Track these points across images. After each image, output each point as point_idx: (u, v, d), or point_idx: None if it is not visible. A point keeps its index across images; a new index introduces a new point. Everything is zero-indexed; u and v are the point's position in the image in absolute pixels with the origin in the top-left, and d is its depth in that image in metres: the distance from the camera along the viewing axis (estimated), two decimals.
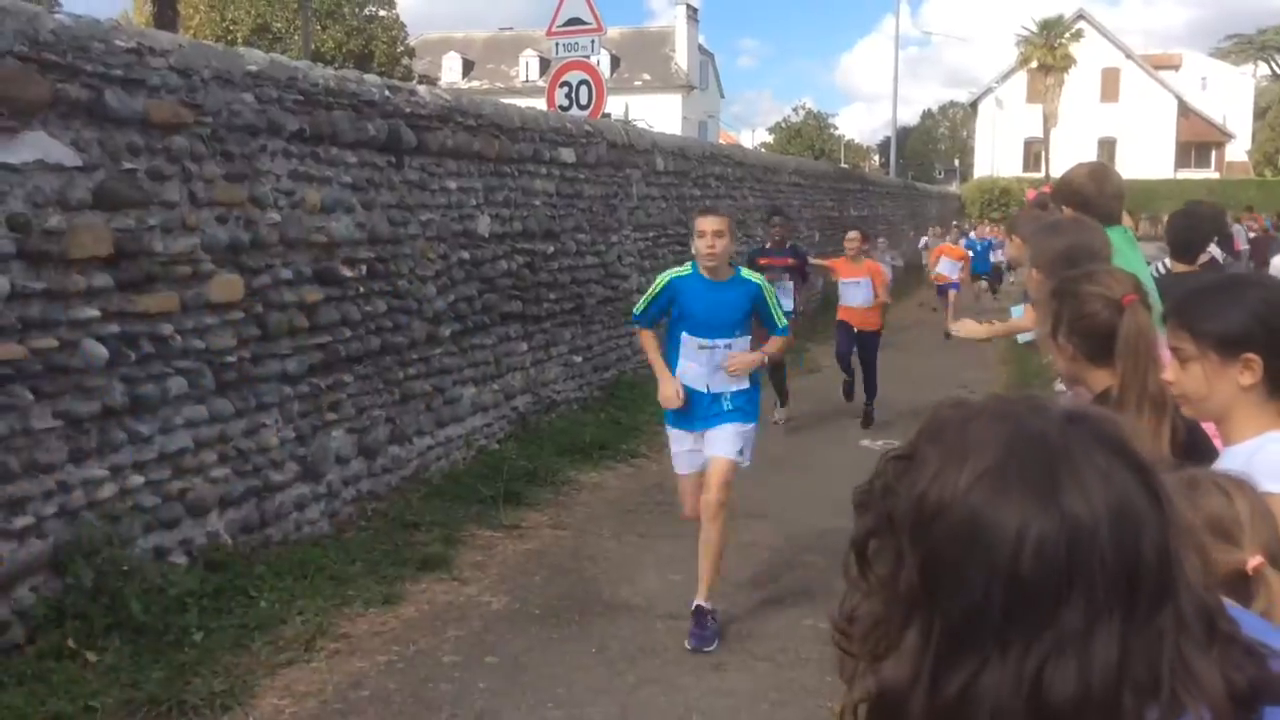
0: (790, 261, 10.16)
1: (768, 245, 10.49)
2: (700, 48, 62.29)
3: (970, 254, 19.67)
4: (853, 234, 10.74)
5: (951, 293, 17.67)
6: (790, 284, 9.95)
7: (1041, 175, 46.14)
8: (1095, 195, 4.01)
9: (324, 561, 5.70)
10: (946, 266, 17.90)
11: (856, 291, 10.28)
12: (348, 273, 6.46)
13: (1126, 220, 5.08)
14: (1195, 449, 2.23)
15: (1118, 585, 0.91)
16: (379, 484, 6.82)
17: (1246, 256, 15.67)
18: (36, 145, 4.50)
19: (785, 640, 5.14)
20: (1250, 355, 2.01)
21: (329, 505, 6.33)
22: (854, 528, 1.05)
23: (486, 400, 8.21)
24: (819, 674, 4.73)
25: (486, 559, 6.17)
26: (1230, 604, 1.06)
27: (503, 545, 6.41)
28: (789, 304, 9.24)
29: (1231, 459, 1.97)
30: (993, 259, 21.47)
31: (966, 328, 5.17)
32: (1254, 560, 1.47)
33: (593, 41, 11.76)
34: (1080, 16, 55.12)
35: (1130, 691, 0.91)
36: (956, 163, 73.67)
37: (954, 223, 32.44)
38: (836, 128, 66.85)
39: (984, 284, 21.48)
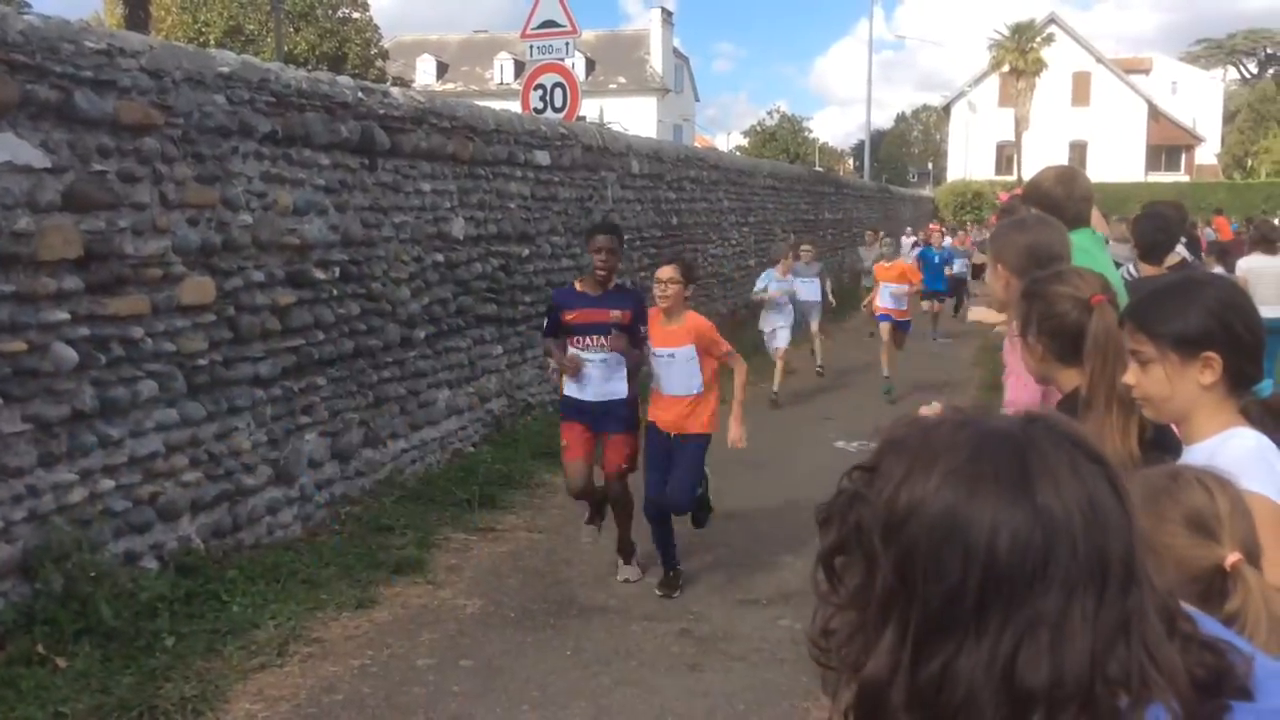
0: (615, 315, 5.77)
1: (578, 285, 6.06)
2: (675, 51, 62.38)
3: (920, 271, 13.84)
4: (666, 269, 5.80)
5: (898, 333, 12.23)
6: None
7: (1014, 178, 46.47)
8: (1064, 199, 4.04)
9: (297, 565, 5.67)
10: (888, 297, 12.10)
11: (671, 371, 5.77)
12: (321, 275, 6.43)
13: (1100, 223, 5.14)
14: (1162, 447, 2.26)
15: (1089, 573, 0.94)
16: (352, 487, 6.79)
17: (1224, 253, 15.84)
18: (5, 147, 4.46)
19: (760, 641, 5.15)
20: (1209, 354, 2.04)
21: (302, 509, 6.30)
22: (819, 543, 1.07)
23: (461, 403, 8.19)
24: (794, 674, 4.75)
25: (461, 562, 6.15)
26: (1186, 606, 1.08)
27: (477, 548, 6.39)
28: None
29: (1193, 457, 1.99)
30: (954, 270, 17.67)
31: (980, 314, 5.14)
32: (1232, 557, 1.48)
33: (567, 44, 11.76)
34: (1052, 21, 55.53)
35: (1101, 679, 0.93)
36: (930, 166, 74.03)
37: (907, 230, 28.02)
38: (811, 131, 66.95)
39: (935, 306, 16.89)
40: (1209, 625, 1.10)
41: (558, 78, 11.58)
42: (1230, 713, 1.00)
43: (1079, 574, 0.93)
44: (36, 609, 4.46)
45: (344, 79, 6.97)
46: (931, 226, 24.27)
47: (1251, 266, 9.02)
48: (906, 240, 23.47)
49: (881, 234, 18.63)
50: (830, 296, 13.33)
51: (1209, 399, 2.06)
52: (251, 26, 39.03)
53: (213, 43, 32.48)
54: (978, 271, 17.30)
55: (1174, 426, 2.20)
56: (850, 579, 1.03)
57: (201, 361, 5.50)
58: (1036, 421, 1.03)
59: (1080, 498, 0.95)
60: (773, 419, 10.45)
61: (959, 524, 0.95)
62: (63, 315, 4.69)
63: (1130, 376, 2.15)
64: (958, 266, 17.93)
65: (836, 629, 1.04)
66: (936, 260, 16.84)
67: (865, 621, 1.01)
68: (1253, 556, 1.51)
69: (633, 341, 5.72)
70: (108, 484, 4.94)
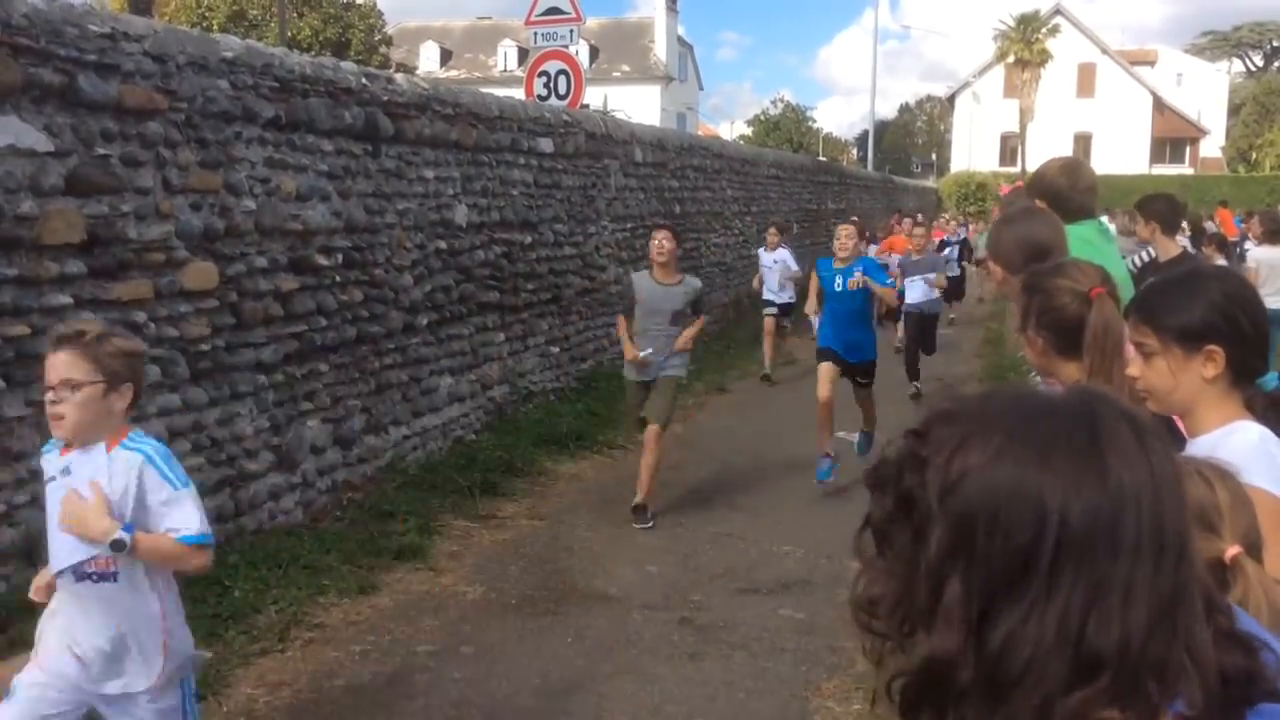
0: None
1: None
2: (679, 39, 62.21)
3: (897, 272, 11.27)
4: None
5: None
6: None
7: (1018, 169, 46.40)
8: (1068, 190, 4.03)
9: (298, 551, 5.68)
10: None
11: None
12: (323, 261, 6.43)
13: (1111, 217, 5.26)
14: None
15: (1152, 543, 0.94)
16: (354, 474, 6.80)
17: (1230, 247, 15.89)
18: (8, 130, 4.45)
19: (761, 630, 5.15)
20: (1212, 347, 2.04)
21: (304, 495, 6.31)
22: (871, 508, 1.05)
23: (463, 390, 8.19)
24: (794, 664, 4.76)
25: (462, 549, 6.16)
26: (1227, 599, 1.07)
27: (479, 535, 6.40)
28: None
29: (1196, 450, 1.99)
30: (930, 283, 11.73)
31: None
32: (1232, 550, 1.48)
33: (571, 31, 11.72)
34: (1057, 11, 55.31)
35: (1151, 649, 0.93)
36: (934, 156, 73.94)
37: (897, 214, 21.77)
38: (815, 121, 66.77)
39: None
40: (1248, 622, 1.09)
41: (562, 65, 11.55)
42: (1255, 715, 0.99)
43: (1142, 543, 0.94)
44: None
45: (348, 65, 6.95)
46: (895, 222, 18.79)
47: (1262, 257, 9.02)
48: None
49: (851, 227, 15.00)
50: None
51: (1212, 392, 2.06)
52: (255, 12, 38.91)
53: (216, 28, 32.38)
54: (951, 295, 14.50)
55: (1177, 420, 2.20)
56: (898, 545, 1.02)
57: (204, 347, 5.50)
58: (1093, 393, 1.03)
59: (1145, 468, 0.96)
60: (774, 408, 10.45)
61: (1028, 488, 0.95)
62: (65, 299, 4.69)
63: (1133, 369, 2.15)
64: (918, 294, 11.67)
65: (883, 596, 1.03)
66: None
67: (912, 590, 1.00)
68: (1254, 549, 1.51)
69: None
70: None
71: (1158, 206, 6.35)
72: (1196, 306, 2.06)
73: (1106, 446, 0.97)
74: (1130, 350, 2.20)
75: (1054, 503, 0.94)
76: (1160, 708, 0.94)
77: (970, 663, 0.96)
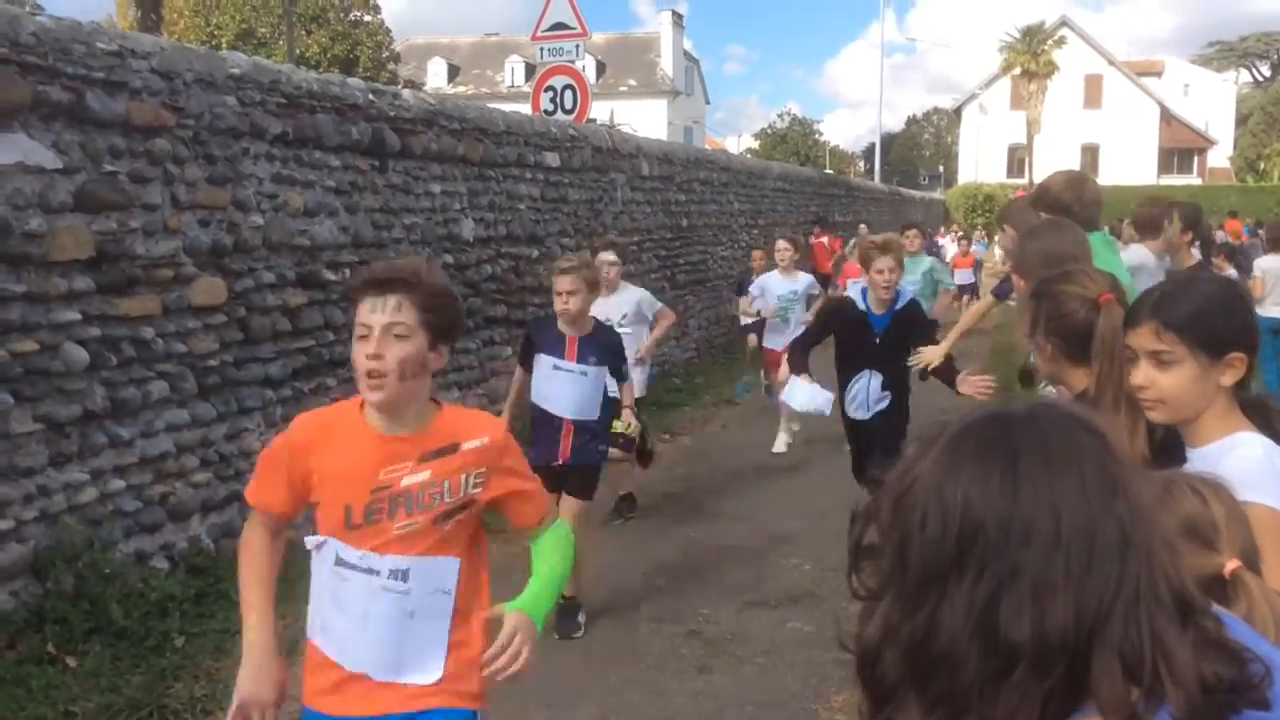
0: None
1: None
2: (686, 53, 62.36)
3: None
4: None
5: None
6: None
7: (1025, 181, 46.31)
8: (1074, 203, 4.04)
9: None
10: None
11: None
12: (331, 276, 6.45)
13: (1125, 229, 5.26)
14: (1173, 448, 2.24)
15: (1076, 536, 0.96)
16: None
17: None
18: (16, 147, 4.48)
19: (769, 643, 5.13)
20: (1237, 355, 2.02)
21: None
22: (849, 538, 1.12)
23: (470, 405, 8.19)
24: (803, 677, 4.73)
25: None
26: (1217, 608, 1.07)
27: (488, 547, 6.37)
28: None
29: (1200, 462, 1.97)
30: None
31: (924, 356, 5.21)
32: (1231, 564, 1.46)
33: (577, 46, 11.75)
34: (1063, 23, 55.36)
35: (1102, 644, 0.94)
36: (941, 169, 73.92)
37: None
38: (821, 134, 67.03)
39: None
40: (1237, 629, 1.08)
41: (568, 80, 11.58)
42: (1238, 717, 0.98)
43: (1060, 535, 0.96)
44: (47, 608, 4.47)
45: (354, 81, 6.99)
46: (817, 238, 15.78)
47: (1268, 267, 9.01)
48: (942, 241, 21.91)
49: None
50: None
51: (1221, 400, 2.05)
52: (264, 29, 39.16)
53: (225, 45, 32.57)
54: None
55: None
56: (879, 572, 1.08)
57: (212, 362, 5.52)
58: (1045, 405, 1.08)
59: (1067, 462, 0.99)
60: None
61: (942, 488, 1.01)
62: (74, 315, 4.71)
63: (1140, 377, 2.11)
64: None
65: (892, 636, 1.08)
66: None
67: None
68: (1251, 563, 1.49)
69: None
70: (118, 484, 4.96)
71: (1191, 213, 6.13)
72: (1224, 314, 2.05)
73: (1021, 443, 1.01)
74: (1138, 358, 2.15)
75: (959, 496, 0.99)
76: (1145, 714, 0.94)
77: (894, 644, 1.01)
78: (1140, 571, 0.97)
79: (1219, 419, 2.05)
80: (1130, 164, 52.87)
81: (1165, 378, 2.07)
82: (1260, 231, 16.55)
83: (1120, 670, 0.94)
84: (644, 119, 46.77)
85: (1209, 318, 2.05)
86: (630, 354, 5.81)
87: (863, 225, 17.41)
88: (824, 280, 11.10)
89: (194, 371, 5.40)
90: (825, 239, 15.75)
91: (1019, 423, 1.04)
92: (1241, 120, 62.69)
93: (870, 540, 1.09)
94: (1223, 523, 1.50)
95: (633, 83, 58.22)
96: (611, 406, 5.42)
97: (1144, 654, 0.94)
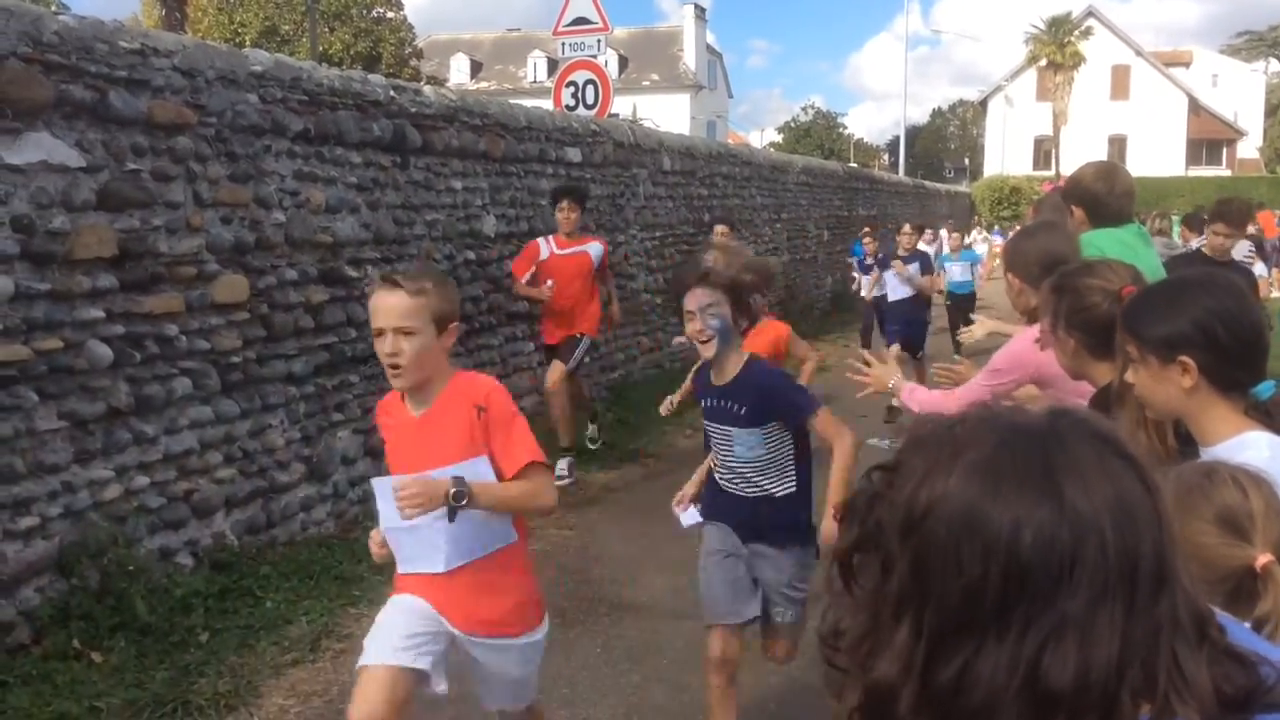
0: None
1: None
2: (708, 47, 62.27)
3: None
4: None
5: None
6: None
7: (1052, 173, 46.00)
8: (1105, 194, 3.98)
9: (330, 562, 5.70)
10: None
11: None
12: (353, 273, 6.46)
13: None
14: (1195, 443, 2.21)
15: (1119, 575, 0.90)
16: None
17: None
18: (40, 146, 4.51)
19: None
20: (1184, 358, 2.00)
21: (335, 506, 6.33)
22: (837, 541, 1.05)
23: None
24: (825, 674, 4.70)
25: None
26: (1219, 612, 1.05)
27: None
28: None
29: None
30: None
31: (988, 326, 5.02)
32: (1263, 558, 1.45)
33: (599, 41, 11.74)
34: (1090, 14, 54.86)
35: (1127, 685, 0.90)
36: (966, 161, 73.52)
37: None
38: (846, 127, 66.85)
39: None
40: (1240, 634, 1.06)
41: (589, 75, 11.57)
42: None
43: (1108, 575, 0.90)
44: (72, 604, 4.51)
45: (375, 77, 7.00)
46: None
47: None
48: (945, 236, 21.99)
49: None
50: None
51: (1203, 401, 2.03)
52: (287, 27, 39.31)
53: (248, 43, 32.74)
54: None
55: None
56: (866, 579, 1.01)
57: (235, 359, 5.54)
58: (1064, 416, 0.99)
59: (1108, 496, 0.91)
60: None
61: (979, 520, 0.91)
62: (98, 313, 4.73)
63: (1128, 375, 2.13)
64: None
65: (848, 629, 1.02)
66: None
67: (878, 623, 0.98)
68: None
69: None
70: (143, 481, 4.99)
71: (1235, 206, 6.49)
72: (1171, 317, 2.05)
73: (1063, 472, 0.92)
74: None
75: (1002, 535, 0.90)
76: None
77: (912, 692, 0.93)
78: (1175, 605, 0.93)
79: (1221, 418, 2.02)
80: (1158, 156, 52.37)
81: (1137, 378, 2.11)
82: None
83: (1139, 699, 0.91)
84: (666, 114, 46.72)
85: (1154, 322, 2.07)
86: None
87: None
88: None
89: (217, 368, 5.43)
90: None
91: (1051, 440, 0.95)
92: (1271, 111, 61.98)
93: (860, 549, 1.02)
94: (1260, 516, 1.49)
95: (655, 77, 58.16)
96: None
97: (1159, 678, 0.92)
